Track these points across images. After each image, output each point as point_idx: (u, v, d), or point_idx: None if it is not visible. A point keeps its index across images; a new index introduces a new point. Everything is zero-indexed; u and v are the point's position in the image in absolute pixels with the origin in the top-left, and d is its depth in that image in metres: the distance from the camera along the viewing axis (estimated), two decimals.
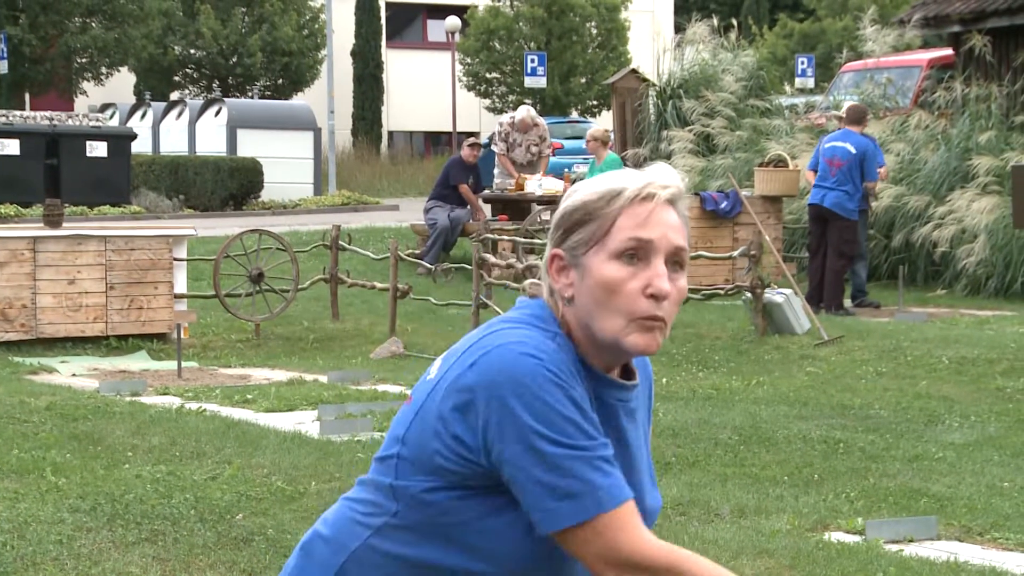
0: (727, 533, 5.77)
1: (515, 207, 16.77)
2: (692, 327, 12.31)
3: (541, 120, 17.29)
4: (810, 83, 26.57)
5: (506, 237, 14.39)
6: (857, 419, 8.59)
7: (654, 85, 18.85)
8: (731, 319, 12.54)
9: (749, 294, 11.49)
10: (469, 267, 12.56)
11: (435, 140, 43.08)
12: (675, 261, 2.19)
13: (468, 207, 16.51)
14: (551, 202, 16.04)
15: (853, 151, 12.97)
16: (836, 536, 5.90)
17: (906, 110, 17.40)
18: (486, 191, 17.02)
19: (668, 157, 17.62)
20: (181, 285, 12.36)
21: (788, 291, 11.78)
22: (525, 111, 17.10)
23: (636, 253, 2.16)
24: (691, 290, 12.71)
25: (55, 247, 11.65)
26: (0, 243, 11.45)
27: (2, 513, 5.94)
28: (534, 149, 16.99)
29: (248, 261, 12.82)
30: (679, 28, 29.43)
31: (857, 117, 13.30)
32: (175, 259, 12.13)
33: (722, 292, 12.21)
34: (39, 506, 6.03)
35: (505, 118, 17.45)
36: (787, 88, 20.91)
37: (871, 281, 14.54)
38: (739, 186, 14.81)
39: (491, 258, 12.15)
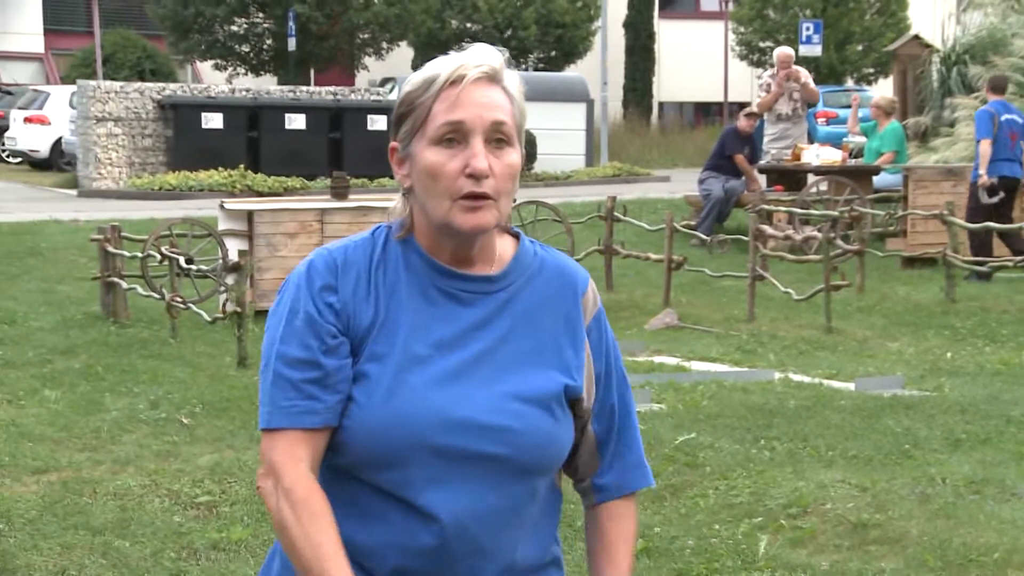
0: None
1: (791, 177, 16.50)
2: (977, 300, 11.92)
3: (801, 70, 16.93)
4: None
5: (782, 208, 14.17)
6: None
7: (938, 51, 18.24)
8: (1019, 292, 12.09)
9: None
10: (745, 238, 12.42)
11: (705, 111, 42.70)
12: (497, 139, 2.18)
13: (743, 178, 16.33)
14: (828, 172, 15.73)
15: None
16: None
17: None
18: (761, 161, 16.79)
19: (951, 125, 17.07)
20: None
21: None
22: (783, 48, 16.87)
23: (453, 136, 2.17)
24: (973, 262, 12.31)
25: (341, 218, 12.00)
26: (290, 215, 11.87)
27: None
28: (796, 96, 16.67)
29: (525, 232, 12.94)
30: None
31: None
32: None
33: (1010, 264, 11.76)
34: None
35: (766, 72, 17.20)
36: None
37: None
38: None
39: (768, 229, 11.99)
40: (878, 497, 5.94)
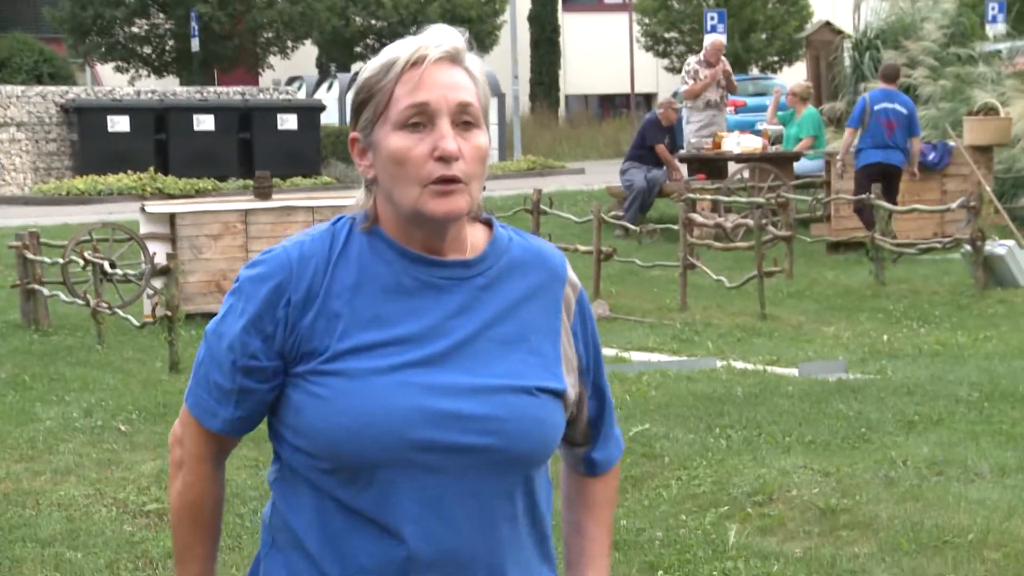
0: (993, 493, 5.57)
1: (712, 166, 16.52)
2: (907, 282, 12.00)
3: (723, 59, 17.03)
4: (1001, 29, 25.65)
5: (707, 196, 14.17)
6: None
7: (849, 37, 18.38)
8: (947, 273, 12.19)
9: (969, 247, 11.13)
10: (675, 227, 12.40)
11: (611, 102, 42.83)
12: (464, 121, 2.08)
13: (664, 168, 16.32)
14: (750, 160, 15.77)
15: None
16: None
17: None
18: (682, 151, 16.80)
19: None
20: None
21: (1010, 242, 11.38)
22: (715, 36, 16.90)
23: (419, 120, 2.06)
24: (904, 244, 12.41)
25: (265, 219, 11.79)
26: (213, 216, 11.64)
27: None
28: (723, 83, 16.72)
29: None
30: None
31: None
32: None
33: (939, 246, 11.85)
34: None
35: (692, 58, 17.20)
36: (989, 33, 20.21)
37: None
38: (947, 137, 14.37)
39: (699, 218, 11.96)
40: (843, 482, 5.91)
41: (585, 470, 2.34)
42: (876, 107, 13.47)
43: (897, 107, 13.42)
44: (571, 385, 2.20)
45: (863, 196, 12.63)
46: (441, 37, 2.09)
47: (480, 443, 2.06)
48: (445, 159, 2.04)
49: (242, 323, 2.10)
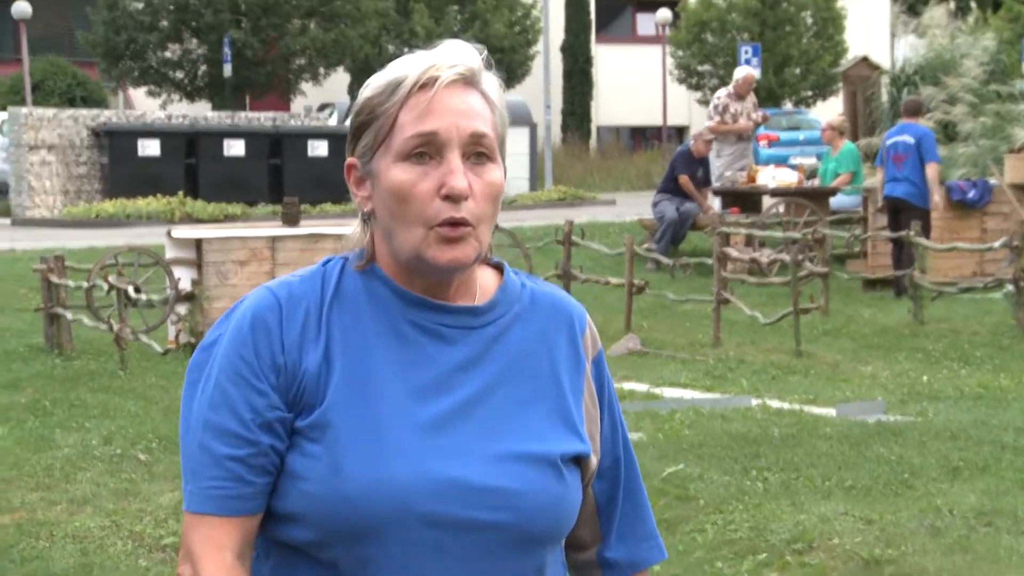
0: None
1: (747, 200, 16.31)
2: (946, 322, 11.75)
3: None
4: None
5: (742, 230, 13.96)
6: None
7: (886, 72, 18.17)
8: (987, 313, 11.93)
9: (1011, 286, 10.87)
10: (708, 261, 12.18)
11: (642, 134, 42.66)
12: (477, 152, 1.81)
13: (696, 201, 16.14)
14: (786, 194, 15.56)
15: None
16: None
17: None
18: (716, 184, 16.61)
19: None
20: None
21: None
22: (747, 69, 16.74)
23: (425, 151, 1.80)
24: (945, 284, 12.17)
25: (293, 245, 11.64)
26: (240, 243, 11.50)
27: None
28: (755, 116, 16.55)
29: None
30: (912, 10, 28.50)
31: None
32: None
33: (981, 286, 11.60)
34: None
35: (722, 91, 17.01)
36: None
37: None
38: (988, 174, 14.13)
39: (733, 252, 11.74)
40: (886, 531, 5.67)
41: (603, 574, 2.02)
42: (888, 142, 13.36)
43: (906, 138, 13.21)
44: (595, 451, 1.94)
45: (900, 234, 12.39)
46: (455, 55, 1.84)
47: (492, 520, 1.80)
48: (453, 198, 1.79)
49: (243, 377, 1.82)
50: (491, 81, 1.86)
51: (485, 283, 1.92)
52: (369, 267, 1.88)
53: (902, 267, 12.73)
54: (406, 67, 1.83)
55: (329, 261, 1.92)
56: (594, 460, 1.93)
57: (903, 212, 13.11)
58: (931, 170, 13.16)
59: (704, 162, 16.29)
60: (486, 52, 1.88)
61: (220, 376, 1.82)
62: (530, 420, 1.86)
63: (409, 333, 1.85)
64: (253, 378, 1.81)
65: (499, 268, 1.95)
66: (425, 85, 1.81)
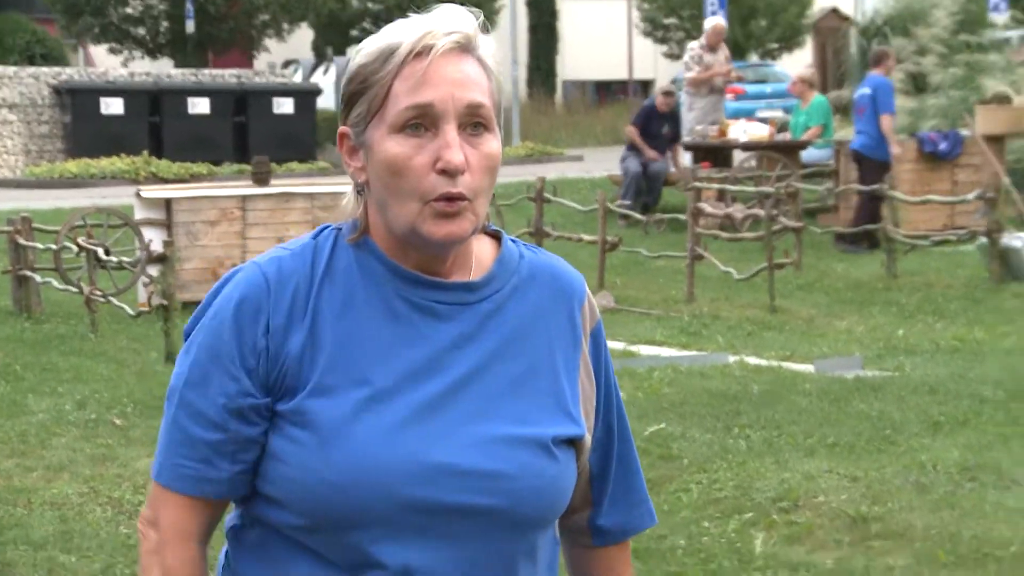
0: None
1: (717, 154, 16.27)
2: (919, 275, 11.76)
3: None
4: (1004, 17, 25.41)
5: (715, 185, 13.91)
6: None
7: (856, 24, 18.12)
8: (960, 266, 11.95)
9: (985, 239, 10.88)
10: (682, 217, 12.15)
11: (607, 88, 42.55)
12: (475, 122, 1.76)
13: (667, 155, 16.09)
14: (758, 148, 15.52)
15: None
16: None
17: None
18: (686, 138, 16.55)
19: None
20: None
21: None
22: (716, 19, 16.69)
23: (420, 122, 1.75)
24: (917, 236, 12.16)
25: (263, 205, 11.52)
26: (210, 202, 11.38)
27: None
28: (725, 68, 16.49)
29: None
30: None
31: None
32: None
33: (954, 238, 11.60)
34: None
35: (694, 44, 16.92)
36: (997, 21, 19.92)
37: None
38: (962, 125, 14.13)
39: (707, 207, 11.70)
40: (872, 487, 5.66)
41: (593, 541, 2.00)
42: (855, 96, 13.38)
43: (864, 90, 13.23)
44: (588, 429, 1.89)
45: (873, 187, 12.37)
46: (451, 21, 1.78)
47: (483, 504, 1.76)
48: (449, 173, 1.74)
49: (220, 359, 1.79)
50: (487, 45, 1.80)
51: (482, 254, 1.87)
52: (362, 240, 1.83)
53: (861, 222, 12.75)
54: (400, 33, 1.77)
55: (322, 232, 1.86)
56: (588, 439, 1.89)
57: (862, 164, 13.14)
58: (885, 122, 13.11)
59: (672, 117, 16.22)
60: (482, 16, 1.82)
61: (200, 353, 1.81)
62: (523, 400, 1.82)
63: (402, 311, 1.81)
64: (229, 362, 1.79)
65: (497, 237, 1.90)
66: (420, 53, 1.75)
